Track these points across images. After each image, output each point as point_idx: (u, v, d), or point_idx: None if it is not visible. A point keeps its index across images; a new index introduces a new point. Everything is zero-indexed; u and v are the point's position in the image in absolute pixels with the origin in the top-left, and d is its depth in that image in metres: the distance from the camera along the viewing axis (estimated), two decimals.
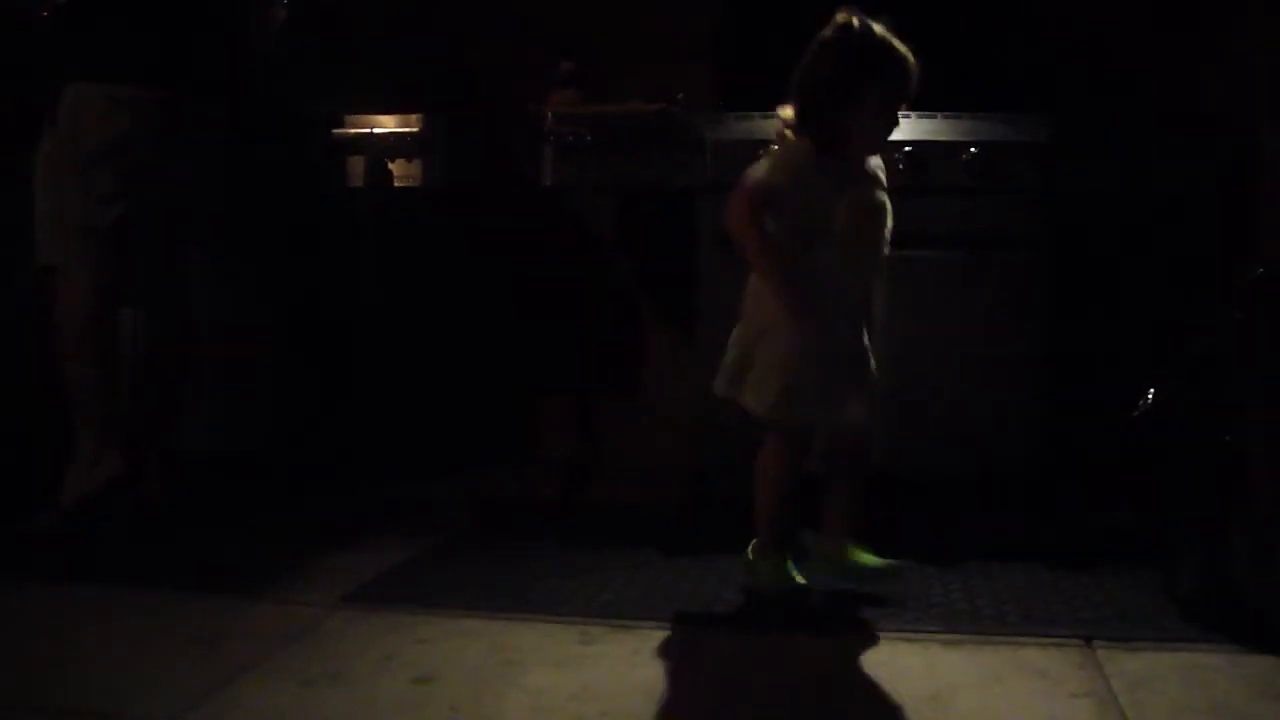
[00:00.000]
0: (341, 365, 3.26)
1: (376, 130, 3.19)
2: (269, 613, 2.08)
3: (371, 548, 2.49)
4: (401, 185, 3.22)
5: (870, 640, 1.95)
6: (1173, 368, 2.27)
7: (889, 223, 2.08)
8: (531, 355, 3.48)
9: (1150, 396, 2.19)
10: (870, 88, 1.98)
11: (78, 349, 2.48)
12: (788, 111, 2.05)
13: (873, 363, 2.14)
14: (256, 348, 3.27)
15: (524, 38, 3.36)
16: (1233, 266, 2.76)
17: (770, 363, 2.05)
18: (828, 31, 2.01)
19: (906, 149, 2.67)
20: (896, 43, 1.98)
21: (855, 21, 1.98)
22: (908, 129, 2.72)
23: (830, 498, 2.19)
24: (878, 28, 1.98)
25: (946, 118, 2.75)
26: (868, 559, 2.17)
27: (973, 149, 2.70)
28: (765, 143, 2.70)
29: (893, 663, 1.84)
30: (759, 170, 2.06)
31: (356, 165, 3.20)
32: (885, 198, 2.08)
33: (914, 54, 1.99)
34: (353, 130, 3.20)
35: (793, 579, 2.14)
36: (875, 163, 2.11)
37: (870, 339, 2.15)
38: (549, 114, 2.95)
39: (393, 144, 3.19)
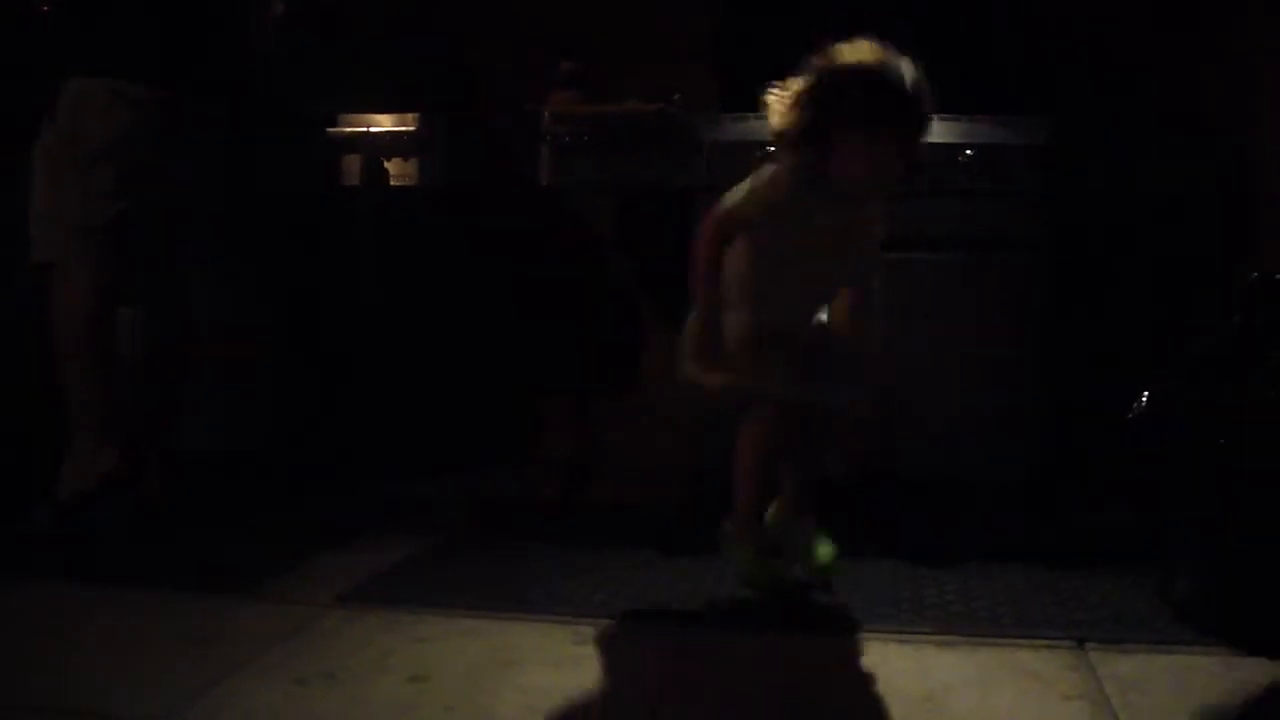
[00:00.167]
0: (341, 365, 3.26)
1: (373, 129, 3.19)
2: (266, 612, 2.09)
3: (370, 547, 2.50)
4: (398, 184, 3.22)
5: (865, 641, 1.95)
6: (1172, 368, 2.26)
7: (871, 242, 2.10)
8: (531, 355, 3.48)
9: (1145, 398, 2.18)
10: (849, 130, 1.94)
11: (75, 347, 2.48)
12: (775, 120, 2.01)
13: (847, 356, 2.13)
14: (256, 348, 3.27)
15: (524, 38, 3.36)
16: (1232, 267, 2.76)
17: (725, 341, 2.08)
18: (810, 73, 1.96)
19: None
20: (888, 81, 1.92)
21: (836, 65, 1.94)
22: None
23: (783, 477, 2.22)
24: (867, 63, 1.93)
25: (946, 119, 2.74)
26: (819, 552, 2.19)
27: (968, 150, 2.70)
28: (763, 144, 2.70)
29: (887, 664, 1.85)
30: (736, 196, 2.06)
31: (352, 164, 3.20)
32: (872, 224, 2.09)
33: (915, 63, 1.94)
34: (348, 129, 3.20)
35: (768, 571, 2.16)
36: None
37: (867, 336, 2.15)
38: (546, 114, 2.95)
39: (388, 143, 3.19)
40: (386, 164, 3.19)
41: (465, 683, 1.76)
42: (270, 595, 2.18)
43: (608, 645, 1.93)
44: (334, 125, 3.21)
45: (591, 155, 2.94)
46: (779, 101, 1.99)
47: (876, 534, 2.51)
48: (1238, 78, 2.93)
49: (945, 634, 1.97)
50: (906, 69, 1.93)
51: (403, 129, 3.17)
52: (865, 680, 1.79)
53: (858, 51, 1.94)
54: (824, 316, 2.16)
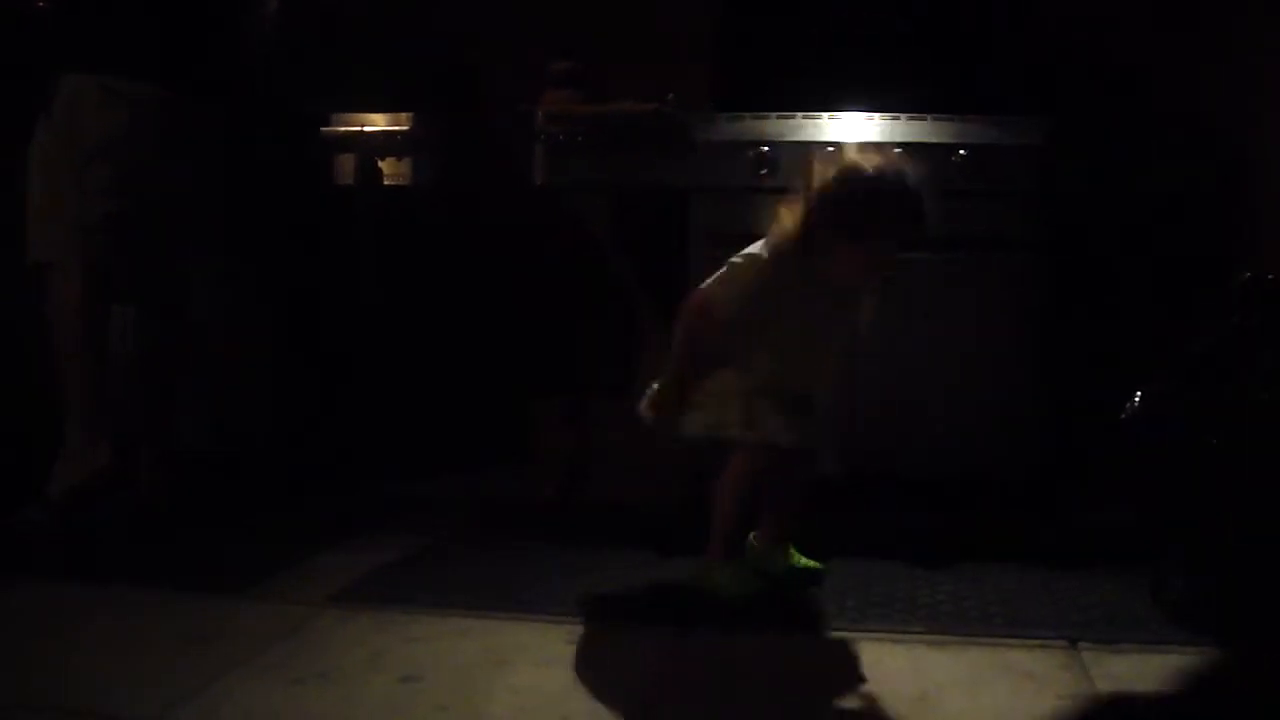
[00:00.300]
0: (341, 365, 3.27)
1: (366, 129, 3.19)
2: (263, 611, 2.09)
3: (369, 547, 2.50)
4: (391, 184, 3.22)
5: (860, 641, 1.95)
6: (1171, 368, 2.26)
7: (861, 315, 2.13)
8: (529, 355, 3.48)
9: (1139, 397, 2.18)
10: (853, 243, 2.01)
11: (73, 346, 2.49)
12: (782, 227, 2.06)
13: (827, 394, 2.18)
14: (256, 347, 3.28)
15: (524, 38, 3.36)
16: (1232, 267, 2.75)
17: (708, 390, 2.13)
18: (824, 182, 2.02)
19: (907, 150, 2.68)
20: (891, 195, 1.99)
21: (848, 178, 2.00)
22: (907, 130, 2.73)
23: (768, 509, 2.29)
24: (877, 174, 2.00)
25: (946, 120, 2.75)
26: (798, 560, 2.29)
27: (962, 151, 2.70)
28: (758, 143, 2.71)
29: (881, 663, 1.85)
30: (722, 280, 2.10)
31: (346, 163, 3.19)
32: (861, 304, 2.12)
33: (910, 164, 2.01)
34: (342, 128, 3.19)
35: (755, 582, 2.20)
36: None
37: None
38: (540, 113, 2.95)
39: (382, 142, 3.18)
40: (380, 164, 3.18)
41: (458, 682, 1.77)
42: (267, 595, 2.19)
43: (603, 645, 1.94)
44: (325, 124, 3.21)
45: (587, 155, 2.93)
46: (789, 214, 2.05)
47: (875, 534, 2.51)
48: (1238, 78, 2.92)
49: (939, 634, 1.97)
50: (908, 176, 2.01)
51: (396, 128, 3.17)
52: (859, 680, 1.79)
53: (862, 163, 2.02)
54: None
